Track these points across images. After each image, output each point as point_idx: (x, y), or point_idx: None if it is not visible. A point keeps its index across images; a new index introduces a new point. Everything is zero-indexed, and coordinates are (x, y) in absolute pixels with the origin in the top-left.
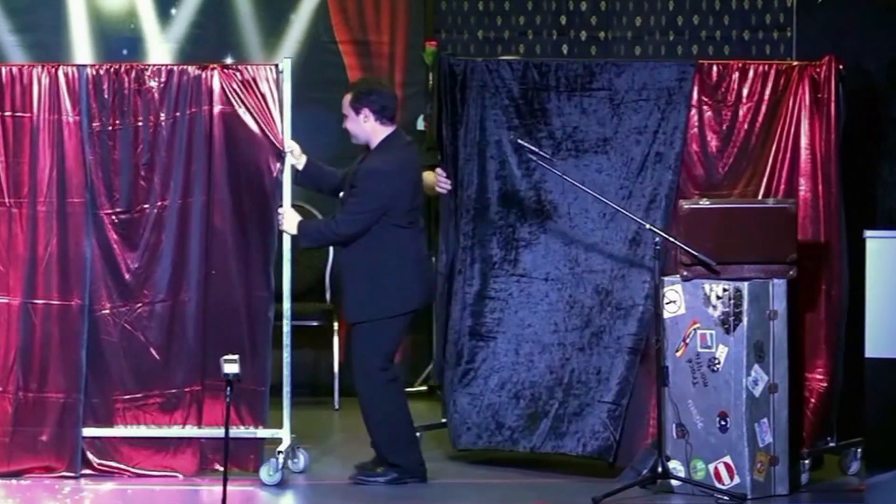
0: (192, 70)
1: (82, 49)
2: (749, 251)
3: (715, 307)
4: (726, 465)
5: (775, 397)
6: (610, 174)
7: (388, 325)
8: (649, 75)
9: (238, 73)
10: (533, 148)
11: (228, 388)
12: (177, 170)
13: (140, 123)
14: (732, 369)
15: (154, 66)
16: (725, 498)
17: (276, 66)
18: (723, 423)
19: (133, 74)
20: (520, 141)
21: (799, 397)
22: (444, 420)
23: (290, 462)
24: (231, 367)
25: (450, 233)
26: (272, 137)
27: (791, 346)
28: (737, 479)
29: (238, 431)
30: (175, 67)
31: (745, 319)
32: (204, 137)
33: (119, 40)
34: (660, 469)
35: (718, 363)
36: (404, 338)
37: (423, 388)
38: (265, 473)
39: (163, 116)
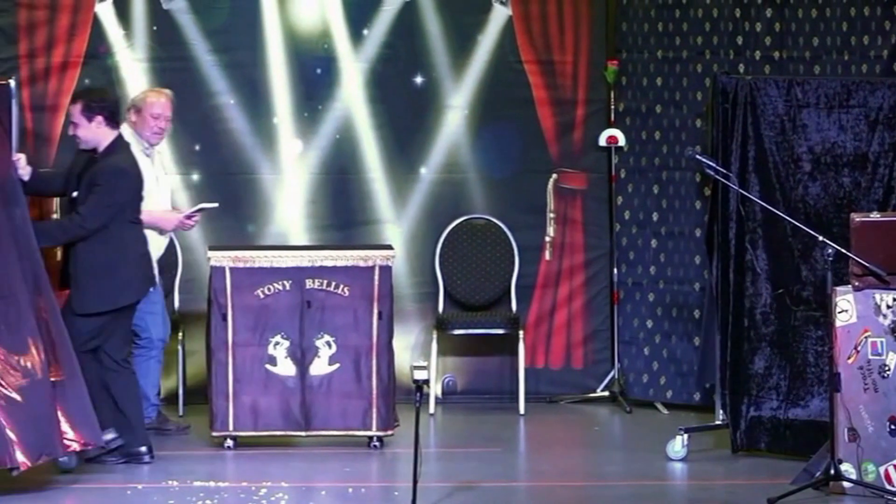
0: None
1: (278, 69)
2: None
3: (885, 316)
4: None
5: None
6: (866, 188)
7: (118, 315)
8: None
9: None
10: (711, 163)
11: (418, 394)
12: None
13: None
14: None
15: None
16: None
17: (8, 84)
18: (893, 427)
19: None
20: (697, 156)
21: None
22: (717, 423)
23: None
24: (420, 374)
25: (717, 240)
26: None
27: None
28: None
29: None
30: None
31: None
32: None
33: (313, 60)
34: (832, 471)
35: (889, 370)
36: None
37: (605, 393)
38: None
39: None
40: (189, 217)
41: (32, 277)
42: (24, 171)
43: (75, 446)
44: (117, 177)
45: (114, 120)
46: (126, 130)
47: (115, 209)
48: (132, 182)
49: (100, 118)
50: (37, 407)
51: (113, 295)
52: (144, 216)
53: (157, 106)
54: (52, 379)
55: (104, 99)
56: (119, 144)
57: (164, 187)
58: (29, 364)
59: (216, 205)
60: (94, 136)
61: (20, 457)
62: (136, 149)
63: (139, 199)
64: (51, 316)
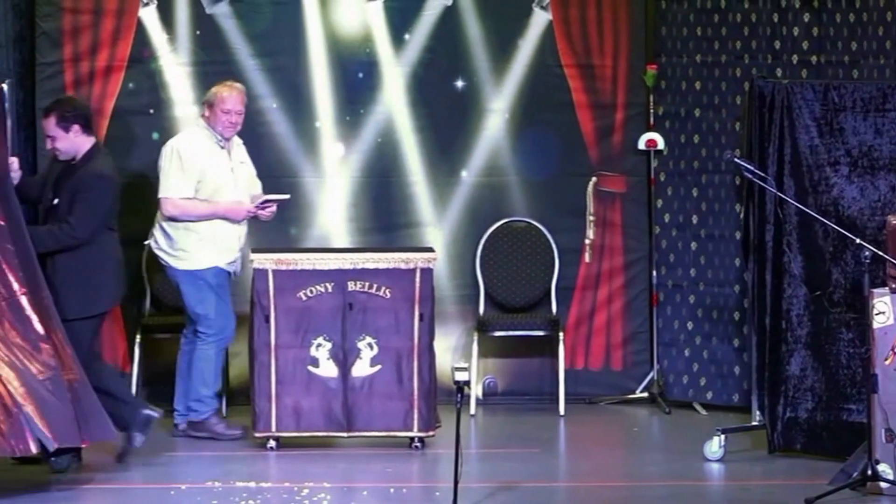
0: None
1: (320, 73)
2: None
3: None
4: None
5: None
6: None
7: (97, 320)
8: None
9: None
10: (750, 167)
11: (459, 395)
12: None
13: None
14: None
15: None
16: None
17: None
18: None
19: None
20: (736, 160)
21: None
22: (753, 423)
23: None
24: (461, 375)
25: (754, 242)
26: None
27: None
28: None
29: None
30: None
31: None
32: None
33: (355, 64)
34: (869, 472)
35: None
36: None
37: (645, 394)
38: None
39: None
40: (262, 207)
41: (32, 278)
42: (16, 174)
43: (86, 443)
44: (101, 183)
45: (89, 126)
46: (200, 124)
47: (102, 217)
48: (114, 188)
49: (76, 127)
50: (60, 399)
51: (89, 301)
52: (213, 207)
53: (228, 101)
54: (67, 378)
55: (76, 107)
56: (96, 150)
57: (242, 178)
58: (47, 358)
59: (287, 196)
60: (73, 146)
61: (51, 441)
62: (211, 142)
63: (118, 205)
64: (53, 317)
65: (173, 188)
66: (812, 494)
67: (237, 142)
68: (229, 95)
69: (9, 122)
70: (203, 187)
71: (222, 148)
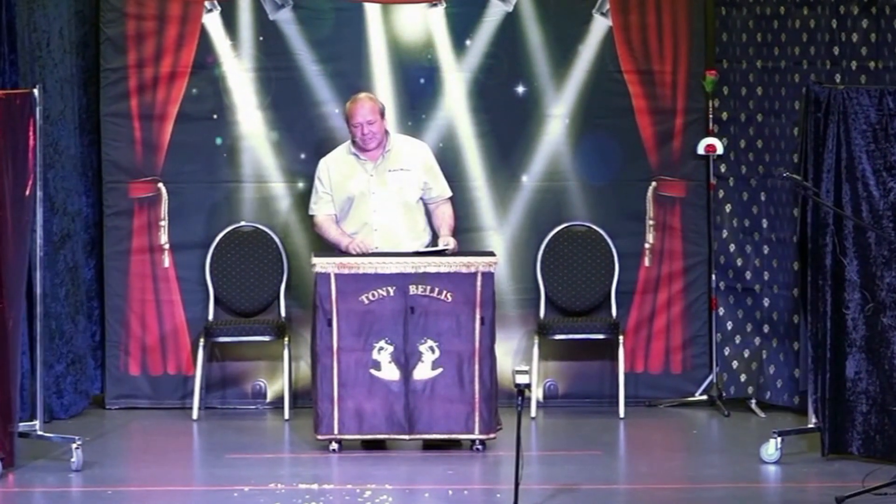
0: None
1: (382, 78)
2: None
3: None
4: None
5: None
6: None
7: None
8: None
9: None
10: (800, 179)
11: (520, 398)
12: None
13: None
14: None
15: None
16: None
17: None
18: None
19: None
20: (785, 174)
21: None
22: (809, 426)
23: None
24: (522, 378)
25: (809, 247)
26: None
27: None
28: None
29: None
30: None
31: None
32: None
33: (417, 70)
34: None
35: None
36: None
37: (704, 397)
38: None
39: None
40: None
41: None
42: None
43: None
44: None
45: None
46: (348, 141)
47: None
48: None
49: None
50: None
51: None
52: (330, 233)
53: (353, 114)
54: None
55: None
56: None
57: (396, 186)
58: None
59: (447, 247)
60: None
61: None
62: (352, 159)
63: None
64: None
65: (311, 207)
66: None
67: (404, 149)
68: (352, 107)
69: (35, 129)
70: (336, 203)
71: (362, 160)
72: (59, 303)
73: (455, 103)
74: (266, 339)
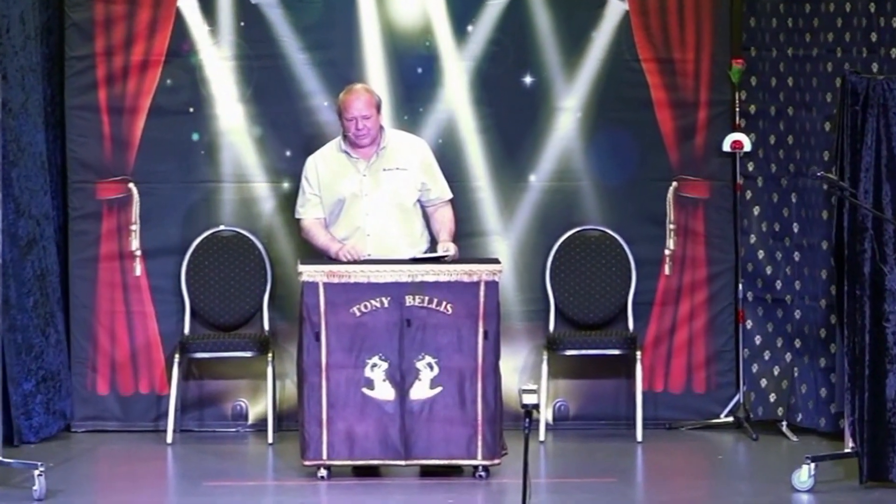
0: None
1: (375, 67)
2: None
3: None
4: None
5: None
6: None
7: None
8: None
9: None
10: (835, 179)
11: (527, 420)
12: None
13: None
14: None
15: None
16: None
17: None
18: None
19: None
20: (819, 173)
21: None
22: (846, 451)
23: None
24: (530, 398)
25: (844, 254)
26: None
27: None
28: None
29: None
30: None
31: None
32: None
33: (413, 58)
34: None
35: None
36: None
37: (730, 419)
38: None
39: None
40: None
41: None
42: None
43: None
44: None
45: None
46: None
47: None
48: None
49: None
50: None
51: None
52: (317, 238)
53: (348, 107)
54: None
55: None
56: None
57: (389, 186)
58: None
59: (446, 254)
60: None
61: None
62: (343, 157)
63: None
64: None
65: (297, 210)
66: None
67: (400, 147)
68: (347, 99)
69: None
70: (325, 205)
71: (354, 158)
72: (27, 314)
73: (455, 95)
74: (248, 354)
